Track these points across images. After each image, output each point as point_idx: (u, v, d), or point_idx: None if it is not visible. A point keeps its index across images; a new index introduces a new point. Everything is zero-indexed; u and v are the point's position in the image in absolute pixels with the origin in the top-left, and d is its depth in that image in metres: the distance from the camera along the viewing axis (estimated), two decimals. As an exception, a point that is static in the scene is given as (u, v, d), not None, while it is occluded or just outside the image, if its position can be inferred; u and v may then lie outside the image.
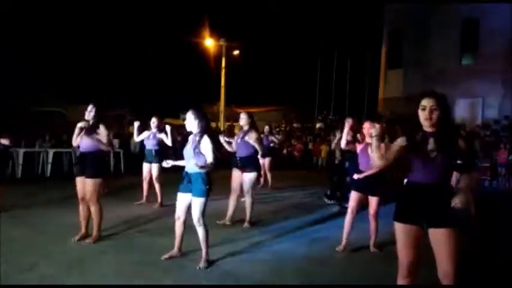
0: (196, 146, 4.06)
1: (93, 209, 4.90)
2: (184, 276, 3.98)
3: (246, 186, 5.97)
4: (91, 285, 3.73)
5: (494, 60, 16.61)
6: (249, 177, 5.95)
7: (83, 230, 5.05)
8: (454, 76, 17.94)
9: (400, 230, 2.75)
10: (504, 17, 17.00)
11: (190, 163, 4.08)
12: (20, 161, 10.57)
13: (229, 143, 6.00)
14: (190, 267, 4.19)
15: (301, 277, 4.07)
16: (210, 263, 4.22)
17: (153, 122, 7.40)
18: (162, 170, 7.20)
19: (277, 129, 21.84)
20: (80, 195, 4.98)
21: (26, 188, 8.96)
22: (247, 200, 6.05)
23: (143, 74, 31.86)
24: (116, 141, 12.76)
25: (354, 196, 4.87)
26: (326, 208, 7.64)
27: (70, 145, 11.43)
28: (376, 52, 22.87)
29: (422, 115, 2.70)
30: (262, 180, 9.92)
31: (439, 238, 2.65)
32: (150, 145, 7.39)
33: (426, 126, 2.72)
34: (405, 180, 2.87)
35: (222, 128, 20.99)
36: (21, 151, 10.69)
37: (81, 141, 4.92)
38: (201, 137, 4.08)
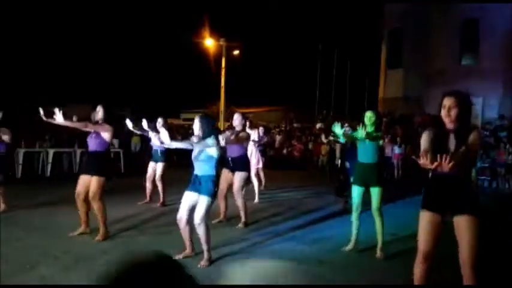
0: (203, 150, 4.20)
1: (96, 207, 4.96)
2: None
3: (237, 185, 5.97)
4: (91, 285, 3.72)
5: (494, 60, 16.62)
6: (240, 176, 5.98)
7: (83, 225, 5.17)
8: (454, 76, 17.92)
9: (425, 217, 2.93)
10: (504, 17, 17.01)
11: (199, 166, 4.22)
12: (20, 161, 10.57)
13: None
14: (190, 267, 4.19)
15: (301, 277, 4.07)
16: (211, 262, 4.25)
17: (159, 122, 7.50)
18: (166, 169, 7.43)
19: (277, 129, 21.85)
20: (77, 192, 5.03)
21: (26, 188, 8.96)
22: (239, 200, 6.01)
23: (143, 74, 31.84)
24: (115, 141, 12.77)
25: (356, 191, 4.77)
26: (326, 208, 7.63)
27: (70, 145, 11.52)
28: (376, 52, 22.89)
29: (443, 113, 2.91)
30: (263, 182, 9.83)
31: (461, 225, 2.82)
32: (156, 145, 7.47)
33: (447, 123, 2.91)
34: (430, 174, 3.04)
35: (221, 128, 21.01)
36: (21, 151, 10.69)
37: (89, 141, 5.04)
38: (205, 139, 4.20)
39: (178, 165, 10.42)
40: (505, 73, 16.77)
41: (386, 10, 21.73)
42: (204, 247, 4.21)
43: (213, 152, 4.19)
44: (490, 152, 12.62)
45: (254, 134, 8.16)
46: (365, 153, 4.72)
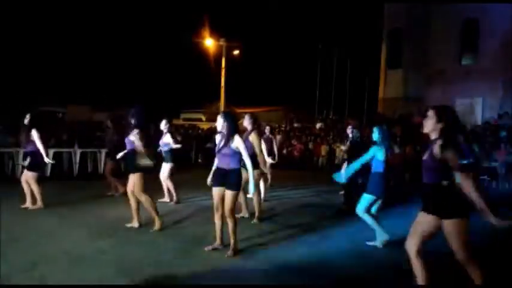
0: (229, 146, 4.46)
1: (143, 200, 5.51)
2: (184, 276, 3.98)
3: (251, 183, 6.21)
4: (91, 285, 3.73)
5: (494, 60, 16.61)
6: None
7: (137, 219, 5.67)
8: (454, 76, 17.95)
9: (419, 215, 3.29)
10: (504, 17, 17.00)
11: (224, 161, 4.49)
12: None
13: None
14: (190, 267, 4.19)
15: (301, 277, 4.07)
16: (237, 252, 4.56)
17: (163, 123, 7.71)
18: (173, 170, 7.59)
19: (277, 129, 21.86)
20: (129, 189, 5.59)
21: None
22: (255, 197, 6.32)
23: (143, 74, 31.84)
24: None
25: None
26: (327, 208, 7.64)
27: (70, 145, 11.52)
28: (376, 52, 22.90)
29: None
30: (269, 179, 9.92)
31: (448, 229, 3.09)
32: (162, 145, 7.69)
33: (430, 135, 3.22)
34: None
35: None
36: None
37: (126, 142, 5.66)
38: (232, 137, 4.46)
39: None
40: (505, 73, 16.76)
41: (386, 10, 21.73)
42: (232, 238, 4.55)
43: (238, 146, 4.46)
44: (491, 152, 12.62)
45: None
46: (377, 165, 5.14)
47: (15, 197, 6.95)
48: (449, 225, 3.06)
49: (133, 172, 5.50)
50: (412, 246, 3.24)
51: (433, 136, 3.18)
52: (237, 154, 4.51)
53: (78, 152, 11.34)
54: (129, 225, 5.66)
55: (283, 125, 24.35)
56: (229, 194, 4.47)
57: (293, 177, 12.17)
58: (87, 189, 8.62)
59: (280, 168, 13.74)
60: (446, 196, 3.10)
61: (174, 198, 7.54)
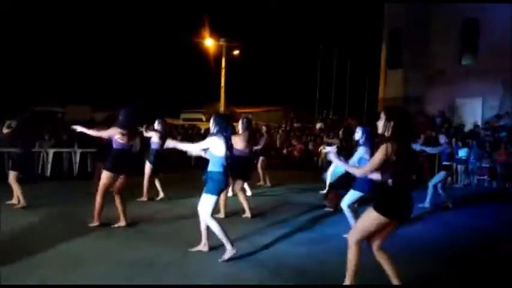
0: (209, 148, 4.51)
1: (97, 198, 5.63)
2: (184, 275, 3.98)
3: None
4: (91, 285, 3.73)
5: (494, 60, 16.59)
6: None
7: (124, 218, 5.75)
8: (454, 76, 17.93)
9: None
10: (504, 17, 16.99)
11: (209, 163, 4.49)
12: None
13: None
14: (190, 267, 4.19)
15: (301, 277, 4.07)
16: (232, 253, 4.42)
17: (156, 123, 7.91)
18: (153, 169, 7.71)
19: (277, 129, 21.84)
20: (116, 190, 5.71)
21: (26, 188, 8.92)
22: (241, 195, 6.70)
23: (143, 74, 31.86)
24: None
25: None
26: (326, 207, 7.63)
27: (70, 145, 11.51)
28: (376, 52, 22.88)
29: None
30: (261, 179, 10.08)
31: (365, 212, 3.45)
32: (153, 144, 7.83)
33: None
34: None
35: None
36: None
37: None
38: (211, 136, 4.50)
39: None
40: (505, 73, 16.75)
41: (386, 10, 21.70)
42: (222, 240, 4.41)
43: (215, 150, 4.42)
44: (491, 152, 12.62)
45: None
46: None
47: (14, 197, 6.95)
48: (368, 210, 3.37)
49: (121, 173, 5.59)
50: (373, 245, 3.49)
51: (387, 135, 3.33)
52: (213, 157, 4.44)
53: (78, 152, 11.33)
54: (116, 225, 5.69)
55: (283, 125, 24.34)
56: (203, 196, 4.47)
57: (293, 177, 12.18)
58: (87, 189, 8.61)
59: (280, 168, 13.76)
60: (386, 193, 3.32)
61: (144, 196, 7.63)
